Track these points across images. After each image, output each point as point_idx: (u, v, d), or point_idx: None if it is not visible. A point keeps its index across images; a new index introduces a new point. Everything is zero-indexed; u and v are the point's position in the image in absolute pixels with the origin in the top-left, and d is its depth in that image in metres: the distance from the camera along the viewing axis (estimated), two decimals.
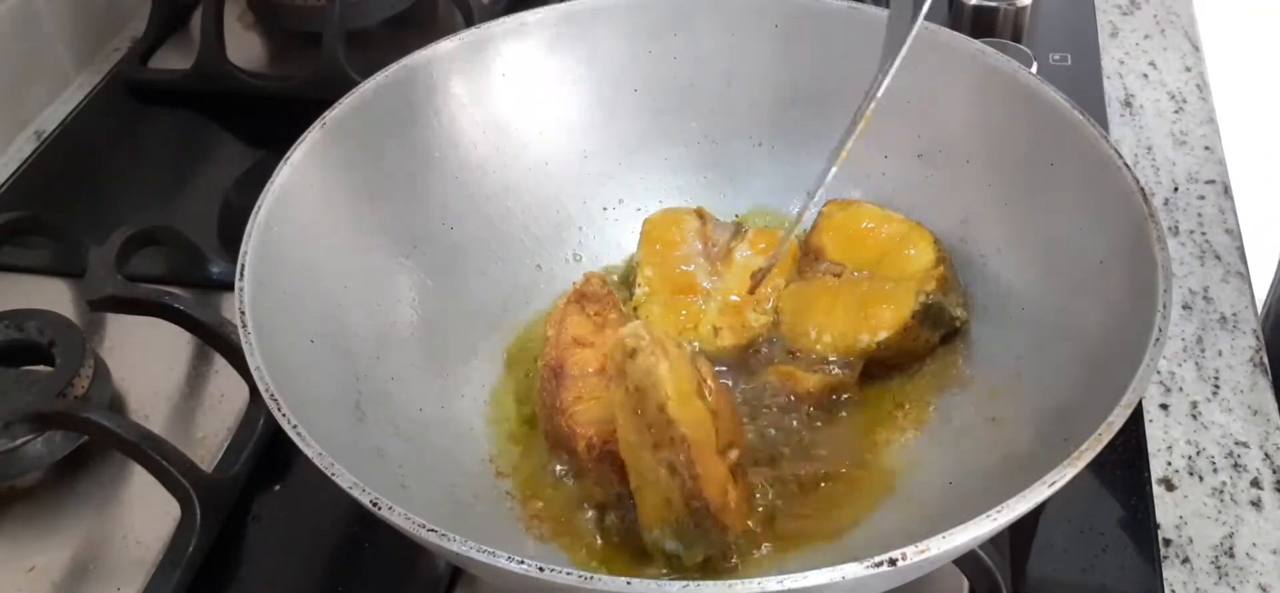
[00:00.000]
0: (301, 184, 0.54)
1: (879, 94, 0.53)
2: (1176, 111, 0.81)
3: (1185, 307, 0.67)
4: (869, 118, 0.53)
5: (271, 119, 0.81)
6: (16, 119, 0.85)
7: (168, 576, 0.53)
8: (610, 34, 0.64)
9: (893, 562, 0.37)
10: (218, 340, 0.61)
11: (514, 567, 0.38)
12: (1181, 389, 0.62)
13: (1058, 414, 0.49)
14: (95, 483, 0.58)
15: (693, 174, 0.66)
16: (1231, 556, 0.55)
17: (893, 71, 0.52)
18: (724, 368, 0.58)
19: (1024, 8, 0.82)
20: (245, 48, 0.90)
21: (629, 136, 0.65)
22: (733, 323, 0.60)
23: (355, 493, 0.40)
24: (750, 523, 0.50)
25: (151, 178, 0.81)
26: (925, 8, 0.52)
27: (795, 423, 0.55)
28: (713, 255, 0.62)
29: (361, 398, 0.52)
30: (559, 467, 0.53)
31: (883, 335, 0.56)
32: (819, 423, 0.56)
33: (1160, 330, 0.44)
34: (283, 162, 0.54)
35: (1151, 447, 0.60)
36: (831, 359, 0.57)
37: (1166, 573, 0.54)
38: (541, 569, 0.38)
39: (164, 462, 0.54)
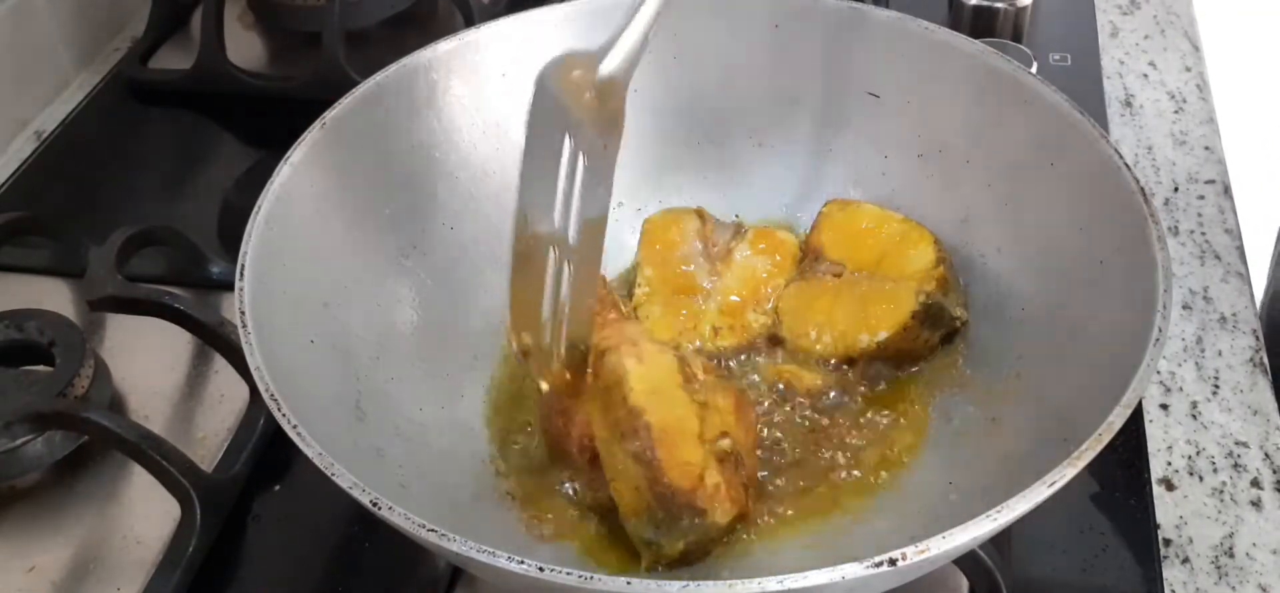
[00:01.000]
0: (301, 184, 0.54)
1: None
2: (1176, 111, 0.81)
3: (1185, 307, 0.67)
4: None
5: (271, 119, 0.81)
6: (16, 119, 0.85)
7: (168, 576, 0.53)
8: (609, 33, 0.64)
9: (893, 562, 0.37)
10: (218, 340, 0.61)
11: (514, 567, 0.38)
12: (1181, 389, 0.62)
13: (1058, 414, 0.49)
14: (95, 483, 0.58)
15: (693, 174, 0.66)
16: (1231, 556, 0.55)
17: None
18: (730, 367, 0.58)
19: (1024, 8, 0.82)
20: (245, 48, 0.90)
21: (629, 137, 0.65)
22: (733, 323, 0.60)
23: (355, 493, 0.40)
24: (741, 512, 0.50)
25: (151, 178, 0.81)
26: None
27: (795, 422, 0.55)
28: (713, 255, 0.62)
29: (361, 398, 0.52)
30: (557, 467, 0.53)
31: (883, 335, 0.56)
32: (818, 422, 0.56)
33: (1160, 330, 0.44)
34: (283, 162, 0.54)
35: (1151, 447, 0.60)
36: (831, 359, 0.57)
37: (1166, 573, 0.54)
38: (541, 569, 0.38)
39: (164, 462, 0.54)
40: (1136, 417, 0.61)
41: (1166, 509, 0.57)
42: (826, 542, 0.51)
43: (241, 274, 0.48)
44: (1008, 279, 0.57)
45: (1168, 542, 0.55)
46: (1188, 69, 0.85)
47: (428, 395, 0.56)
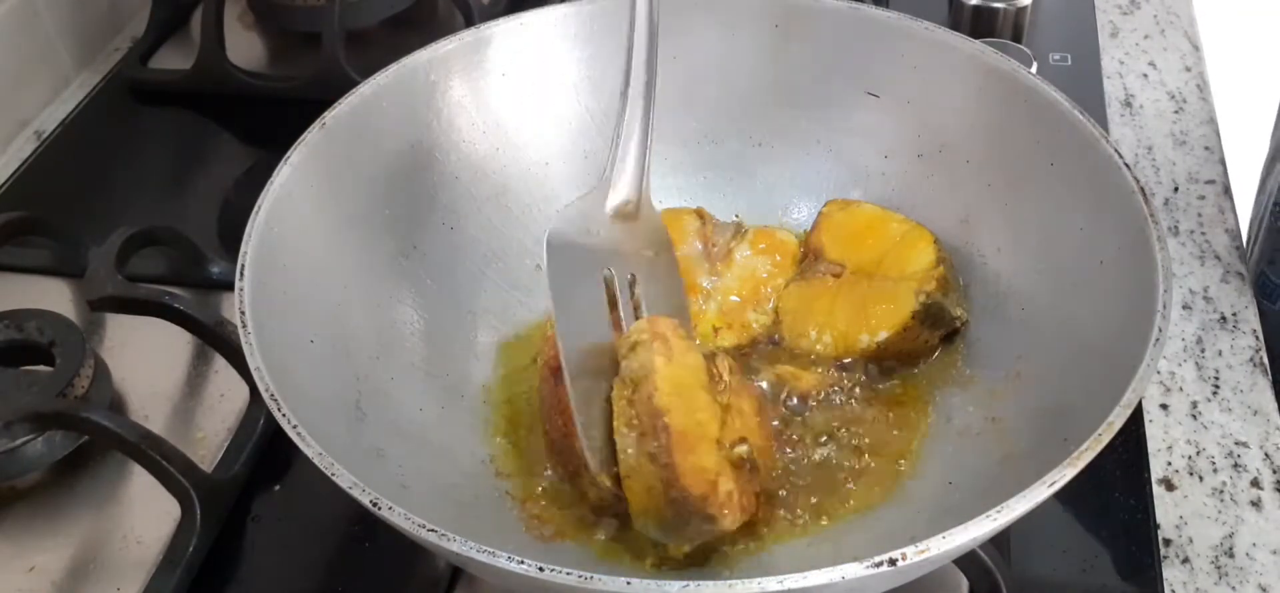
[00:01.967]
0: (301, 184, 0.54)
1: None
2: (1176, 112, 0.81)
3: (1185, 307, 0.67)
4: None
5: (271, 119, 0.81)
6: (16, 119, 0.85)
7: (168, 576, 0.53)
8: (610, 34, 0.64)
9: (893, 562, 0.37)
10: (218, 340, 0.61)
11: (514, 567, 0.38)
12: (1181, 389, 0.62)
13: (1058, 414, 0.49)
14: (95, 483, 0.58)
15: (693, 174, 0.66)
16: (1231, 556, 0.55)
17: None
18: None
19: (1024, 8, 0.82)
20: (245, 48, 0.90)
21: None
22: (733, 323, 0.60)
23: (355, 493, 0.41)
24: (750, 519, 0.50)
25: (151, 178, 0.81)
26: None
27: (796, 422, 0.55)
28: (713, 255, 0.62)
29: (361, 398, 0.52)
30: (558, 467, 0.53)
31: (883, 335, 0.56)
32: (820, 422, 0.55)
33: (1160, 330, 0.44)
34: (283, 162, 0.54)
35: (1151, 447, 0.60)
36: (831, 359, 0.57)
37: (1166, 573, 0.54)
38: (541, 569, 0.38)
39: (164, 462, 0.54)
40: (1136, 417, 0.61)
41: (1166, 509, 0.57)
42: (826, 541, 0.51)
43: (241, 274, 0.48)
44: (1008, 279, 0.57)
45: (1168, 542, 0.55)
46: (1188, 69, 0.85)
47: (428, 395, 0.56)
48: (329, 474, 0.41)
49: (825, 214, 0.62)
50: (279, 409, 0.43)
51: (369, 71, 0.59)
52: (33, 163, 0.81)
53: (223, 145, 0.84)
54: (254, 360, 0.45)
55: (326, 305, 0.53)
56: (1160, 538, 0.55)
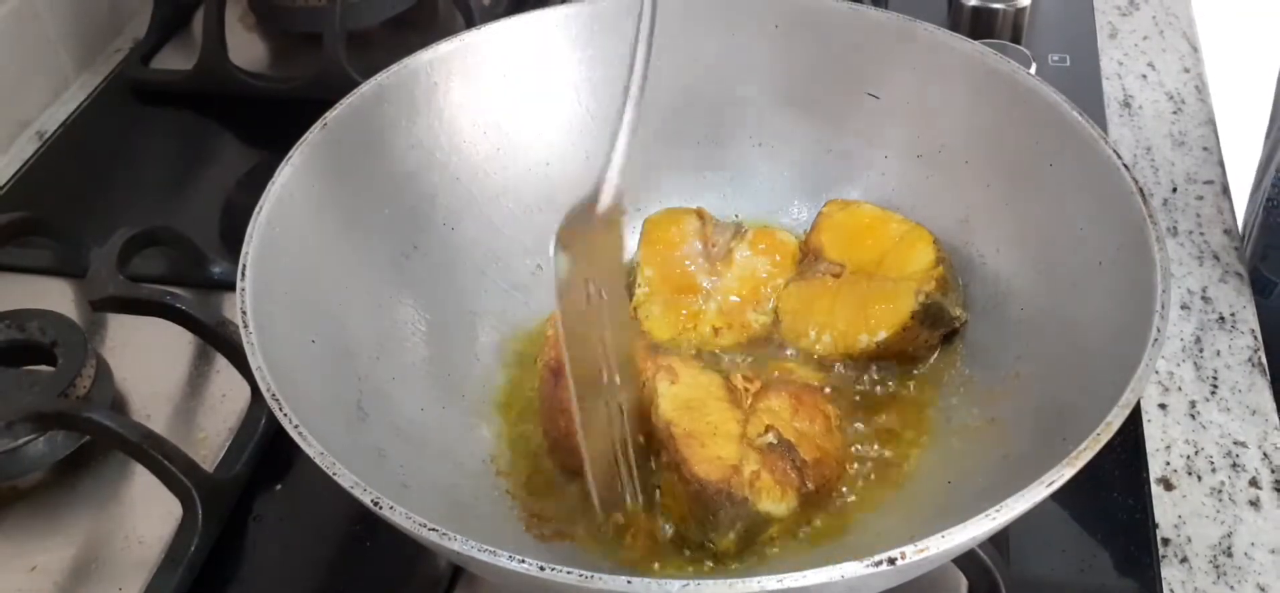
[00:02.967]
0: (303, 185, 0.54)
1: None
2: (1175, 112, 0.81)
3: (1184, 307, 0.67)
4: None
5: (272, 120, 0.81)
6: (18, 120, 0.85)
7: (169, 575, 0.53)
8: (610, 34, 0.64)
9: (892, 561, 0.38)
10: (219, 340, 0.61)
11: (514, 566, 0.38)
12: (1180, 389, 0.63)
13: (1057, 414, 0.49)
14: (97, 483, 0.58)
15: (693, 174, 0.66)
16: (1230, 555, 0.55)
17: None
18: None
19: (1023, 9, 0.83)
20: (246, 49, 0.90)
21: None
22: (733, 323, 0.60)
23: (356, 493, 0.41)
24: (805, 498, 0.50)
25: (153, 178, 0.82)
26: None
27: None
28: (713, 255, 0.62)
29: (362, 398, 0.52)
30: (558, 467, 0.54)
31: (882, 335, 0.56)
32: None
33: (1159, 331, 0.45)
34: (284, 162, 0.54)
35: (1150, 447, 0.60)
36: (831, 359, 0.57)
37: (1165, 573, 0.54)
38: (542, 569, 0.38)
39: (165, 462, 0.54)
40: (1135, 417, 0.61)
41: (1165, 509, 0.57)
42: (826, 541, 0.51)
43: (243, 274, 0.49)
44: (1008, 279, 0.58)
45: (1166, 541, 0.56)
46: (1186, 70, 0.86)
47: (429, 395, 0.56)
48: (330, 474, 0.41)
49: (825, 214, 0.62)
50: (280, 409, 0.43)
51: (370, 72, 0.59)
52: (34, 163, 0.81)
53: (224, 146, 0.84)
54: (255, 360, 0.45)
55: (327, 305, 0.53)
56: (1159, 538, 0.56)
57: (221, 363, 0.63)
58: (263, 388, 0.44)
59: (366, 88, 0.58)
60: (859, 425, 0.55)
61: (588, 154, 0.65)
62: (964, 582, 0.52)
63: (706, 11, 0.64)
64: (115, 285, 0.61)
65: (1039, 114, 0.56)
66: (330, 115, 0.57)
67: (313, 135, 0.55)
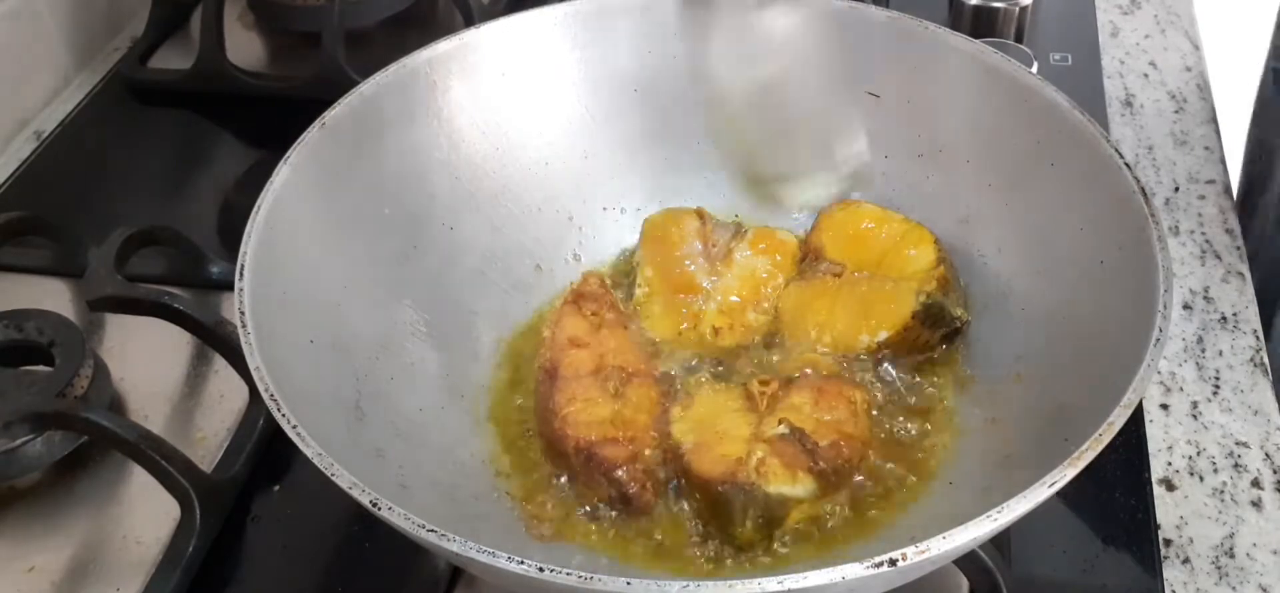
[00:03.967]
0: (301, 184, 0.54)
1: None
2: (1177, 111, 0.81)
3: (1185, 307, 0.67)
4: None
5: (271, 119, 0.81)
6: (16, 119, 0.85)
7: (167, 576, 0.53)
8: (610, 34, 0.64)
9: (892, 562, 0.37)
10: (217, 341, 0.61)
11: (514, 567, 0.38)
12: (1182, 389, 0.62)
13: (1058, 414, 0.49)
14: (95, 483, 0.58)
15: (693, 174, 0.66)
16: (1232, 556, 0.55)
17: None
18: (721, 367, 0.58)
19: (1024, 8, 0.82)
20: (245, 48, 0.89)
21: (629, 136, 0.65)
22: (733, 323, 0.60)
23: (355, 493, 0.40)
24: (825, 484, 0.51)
25: (151, 178, 0.81)
26: None
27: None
28: (713, 255, 0.62)
29: (361, 398, 0.52)
30: (554, 468, 0.53)
31: (883, 335, 0.56)
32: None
33: (1160, 331, 0.44)
34: (282, 162, 0.54)
35: (1152, 447, 0.60)
36: (832, 359, 0.57)
37: (1167, 573, 0.54)
38: (541, 569, 0.38)
39: (163, 462, 0.54)
40: (1137, 417, 0.61)
41: (1167, 509, 0.57)
42: (826, 541, 0.51)
43: (241, 274, 0.48)
44: (1008, 279, 0.57)
45: (1168, 542, 0.55)
46: (1188, 69, 0.85)
47: (427, 396, 0.56)
48: (329, 474, 0.41)
49: (825, 214, 0.62)
50: (279, 409, 0.43)
51: (369, 71, 0.59)
52: (32, 163, 0.81)
53: (222, 145, 0.84)
54: (254, 360, 0.45)
55: (326, 305, 0.53)
56: (1160, 538, 0.55)
57: (220, 363, 0.63)
58: (261, 388, 0.44)
59: (365, 87, 0.58)
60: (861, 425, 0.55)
61: (587, 154, 0.65)
62: (965, 583, 0.51)
63: (707, 12, 0.64)
64: (113, 285, 0.60)
65: (1040, 113, 0.56)
66: (329, 115, 0.56)
67: (311, 135, 0.55)
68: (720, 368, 0.57)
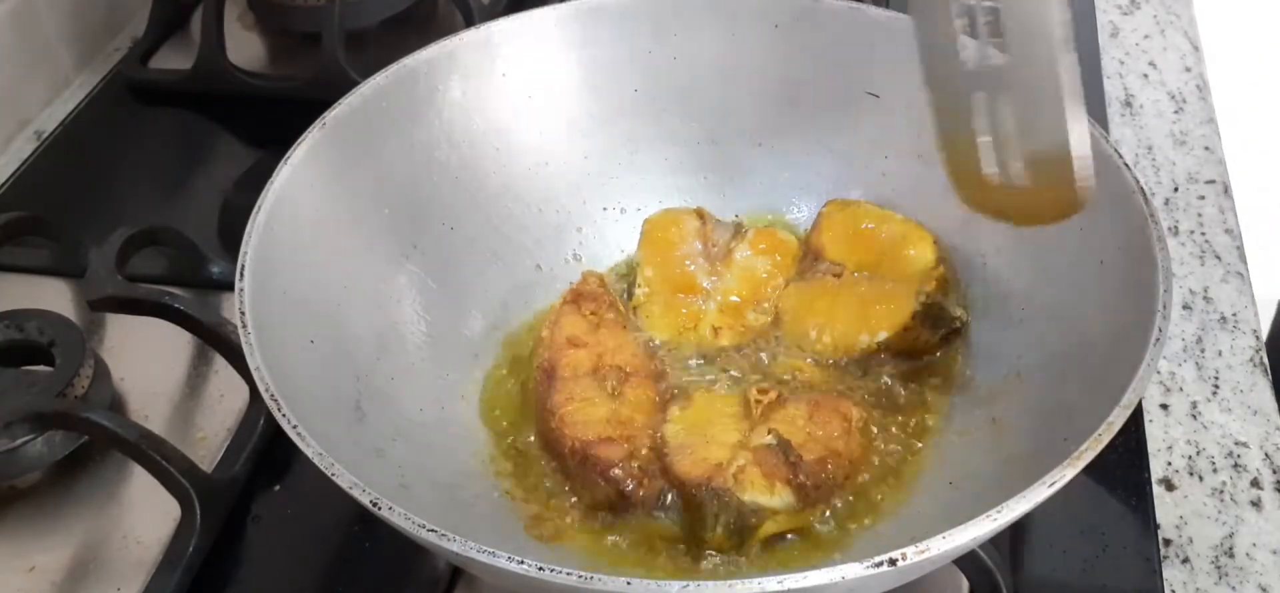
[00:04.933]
0: (302, 184, 0.54)
1: None
2: (1176, 112, 0.81)
3: (1185, 307, 0.67)
4: None
5: (271, 119, 0.81)
6: (16, 119, 0.85)
7: (167, 576, 0.53)
8: (610, 34, 0.64)
9: (893, 562, 0.37)
10: (218, 341, 0.61)
11: (514, 567, 0.38)
12: (1181, 389, 0.62)
13: (1058, 414, 0.49)
14: (95, 483, 0.58)
15: (693, 174, 0.66)
16: (1231, 556, 0.55)
17: None
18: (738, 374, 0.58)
19: None
20: (245, 48, 0.89)
21: (629, 136, 0.65)
22: (733, 323, 0.60)
23: (355, 493, 0.40)
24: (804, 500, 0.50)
25: (151, 178, 0.81)
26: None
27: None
28: (713, 255, 0.62)
29: (362, 398, 0.52)
30: (553, 468, 0.54)
31: (883, 335, 0.56)
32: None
33: (1160, 331, 0.44)
34: (283, 162, 0.54)
35: (1151, 447, 0.60)
36: (831, 359, 0.57)
37: (1166, 573, 0.54)
38: (541, 569, 0.38)
39: (164, 462, 0.54)
40: (1136, 417, 0.61)
41: (1166, 509, 0.57)
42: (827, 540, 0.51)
43: (241, 274, 0.48)
44: (1008, 279, 0.57)
45: (1168, 542, 0.55)
46: (1188, 69, 0.85)
47: (428, 395, 0.56)
48: (329, 474, 0.41)
49: (825, 214, 0.62)
50: (279, 409, 0.43)
51: (369, 71, 0.59)
52: (33, 163, 0.81)
53: (223, 145, 0.84)
54: (254, 360, 0.45)
55: (326, 305, 0.53)
56: (1160, 538, 0.55)
57: (220, 363, 0.63)
58: (261, 388, 0.44)
59: (365, 87, 0.58)
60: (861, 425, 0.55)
61: (587, 154, 0.65)
62: (965, 583, 0.51)
63: (707, 12, 0.64)
64: (113, 285, 0.60)
65: None
66: (329, 115, 0.56)
67: (311, 135, 0.55)
68: (722, 371, 0.57)
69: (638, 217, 0.64)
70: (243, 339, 0.46)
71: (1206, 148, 0.78)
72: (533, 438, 0.55)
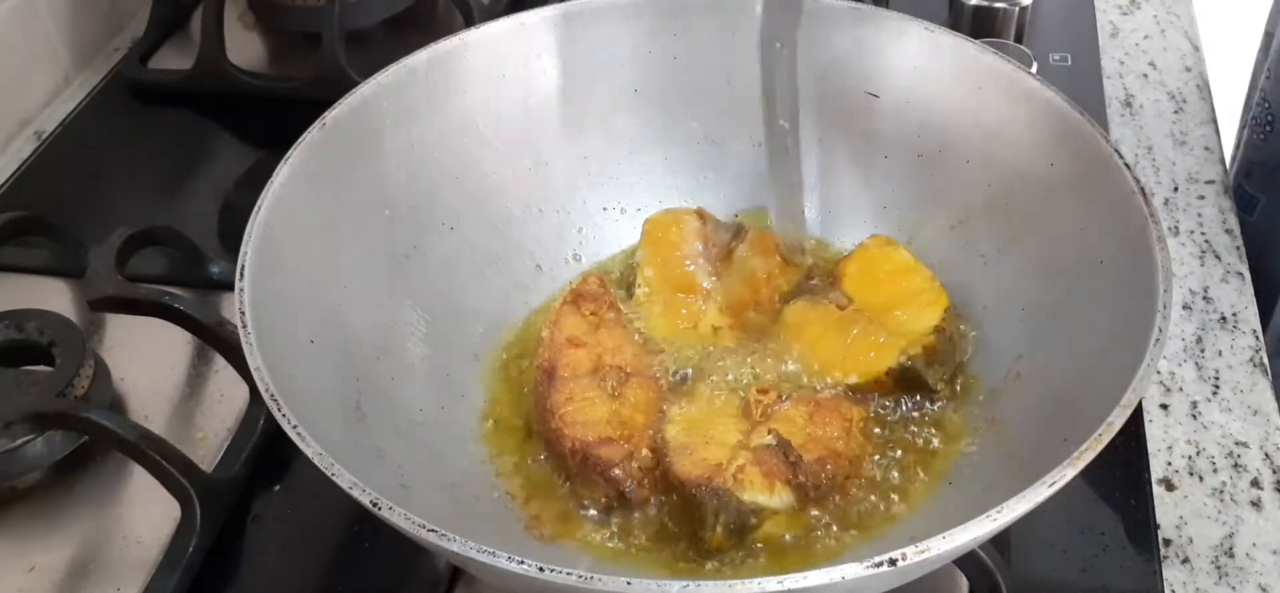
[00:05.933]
0: (302, 184, 0.54)
1: None
2: (1176, 111, 0.81)
3: (1185, 307, 0.67)
4: None
5: (271, 119, 0.81)
6: (17, 119, 0.85)
7: (167, 576, 0.53)
8: (610, 34, 0.64)
9: (892, 562, 0.37)
10: (218, 340, 0.61)
11: (514, 567, 0.38)
12: (1181, 389, 0.62)
13: (1058, 414, 0.49)
14: (95, 483, 0.58)
15: (693, 174, 0.66)
16: (1231, 556, 0.55)
17: None
18: (738, 374, 0.58)
19: (1024, 8, 0.82)
20: (245, 48, 0.90)
21: (629, 136, 0.65)
22: (732, 323, 0.60)
23: (355, 493, 0.40)
24: (802, 499, 0.50)
25: (151, 178, 0.81)
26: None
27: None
28: (713, 255, 0.62)
29: (362, 398, 0.52)
30: (553, 468, 0.53)
31: (853, 379, 0.56)
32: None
33: (1160, 331, 0.44)
34: (283, 162, 0.54)
35: (1151, 447, 0.60)
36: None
37: (1166, 573, 0.54)
38: (541, 569, 0.38)
39: (164, 462, 0.54)
40: (1136, 417, 0.61)
41: (1166, 509, 0.57)
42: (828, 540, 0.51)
43: (241, 274, 0.48)
44: (1008, 279, 0.57)
45: (1168, 542, 0.55)
46: (1188, 69, 0.85)
47: (428, 396, 0.56)
48: (329, 474, 0.41)
49: (864, 246, 0.61)
50: (279, 409, 0.43)
51: (369, 71, 0.59)
52: (33, 163, 0.81)
53: (223, 145, 0.84)
54: (254, 360, 0.45)
55: (326, 305, 0.53)
56: (1160, 538, 0.55)
57: (220, 363, 0.63)
58: (261, 388, 0.44)
59: (365, 87, 0.58)
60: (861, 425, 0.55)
61: (587, 154, 0.65)
62: (965, 583, 0.51)
63: (706, 11, 0.64)
64: (113, 285, 0.60)
65: (1040, 113, 0.56)
66: (329, 115, 0.56)
67: (311, 135, 0.55)
68: (723, 371, 0.57)
69: (638, 217, 0.64)
70: (243, 339, 0.46)
71: (1206, 148, 0.78)
72: (534, 438, 0.55)
